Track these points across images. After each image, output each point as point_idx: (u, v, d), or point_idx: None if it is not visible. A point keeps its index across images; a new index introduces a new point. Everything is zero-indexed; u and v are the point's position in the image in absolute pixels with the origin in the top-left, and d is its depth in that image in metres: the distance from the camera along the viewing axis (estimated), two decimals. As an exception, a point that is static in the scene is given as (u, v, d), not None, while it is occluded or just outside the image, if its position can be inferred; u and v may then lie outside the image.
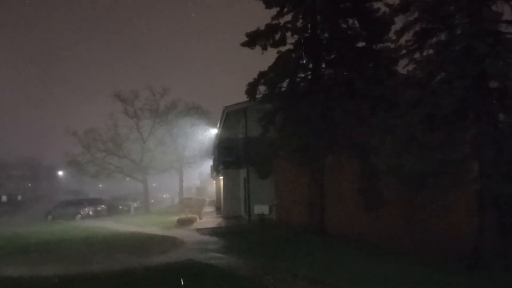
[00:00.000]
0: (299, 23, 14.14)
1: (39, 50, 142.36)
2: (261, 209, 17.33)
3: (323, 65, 14.73)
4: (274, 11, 14.08)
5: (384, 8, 13.12)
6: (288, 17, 14.07)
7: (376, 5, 13.49)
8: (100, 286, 7.36)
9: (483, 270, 10.01)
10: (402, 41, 11.85)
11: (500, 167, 9.78)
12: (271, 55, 14.43)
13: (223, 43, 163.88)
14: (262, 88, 14.52)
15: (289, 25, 14.04)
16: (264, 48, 14.12)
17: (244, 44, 14.16)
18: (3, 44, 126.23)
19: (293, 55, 14.18)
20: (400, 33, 11.64)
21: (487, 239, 10.49)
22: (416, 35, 11.41)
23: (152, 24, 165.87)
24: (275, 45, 14.04)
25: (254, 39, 14.03)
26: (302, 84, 14.67)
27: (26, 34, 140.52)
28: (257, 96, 14.57)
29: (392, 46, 12.85)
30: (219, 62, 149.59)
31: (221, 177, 23.82)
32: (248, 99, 14.90)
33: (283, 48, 14.22)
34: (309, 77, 14.51)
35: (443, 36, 11.29)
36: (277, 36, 14.04)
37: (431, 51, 11.34)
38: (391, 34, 12.84)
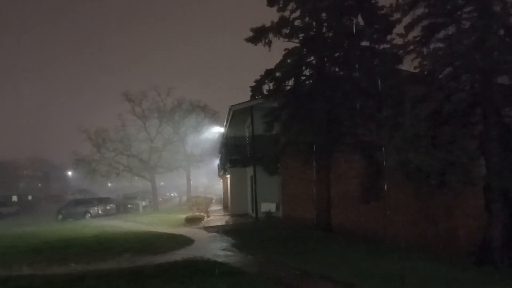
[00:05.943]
0: (305, 21, 14.18)
1: (47, 52, 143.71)
2: (268, 206, 17.43)
3: (328, 63, 14.75)
4: (276, 9, 14.17)
5: (390, 1, 13.03)
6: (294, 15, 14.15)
7: (381, 2, 13.50)
8: (111, 283, 7.47)
9: (491, 265, 9.97)
10: (409, 36, 11.71)
11: (507, 163, 9.72)
12: (277, 54, 14.52)
13: (230, 44, 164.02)
14: (267, 86, 14.61)
15: (296, 23, 14.09)
16: (269, 44, 14.13)
17: (248, 40, 14.17)
18: (12, 46, 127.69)
19: (299, 53, 14.22)
20: (409, 28, 11.43)
21: (495, 234, 10.45)
22: (424, 29, 11.21)
23: (157, 25, 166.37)
24: (288, 36, 14.03)
25: (259, 35, 14.05)
26: (307, 82, 14.71)
27: (33, 36, 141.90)
28: (263, 92, 14.65)
29: (399, 42, 12.78)
30: (224, 63, 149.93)
31: (228, 176, 23.95)
32: (254, 97, 15.00)
33: (292, 43, 14.27)
34: (314, 74, 14.54)
35: (451, 30, 11.06)
36: (286, 30, 14.05)
37: (438, 45, 11.10)
38: (398, 30, 12.79)
